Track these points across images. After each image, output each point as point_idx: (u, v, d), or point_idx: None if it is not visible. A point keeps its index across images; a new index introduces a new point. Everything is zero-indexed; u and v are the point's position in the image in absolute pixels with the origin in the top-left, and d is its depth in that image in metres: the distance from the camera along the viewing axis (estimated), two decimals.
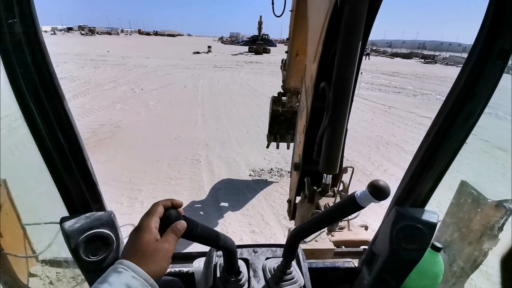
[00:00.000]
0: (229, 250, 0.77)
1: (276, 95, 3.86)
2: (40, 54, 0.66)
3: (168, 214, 0.58)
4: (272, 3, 2.94)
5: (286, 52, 3.31)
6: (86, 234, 0.75)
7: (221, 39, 77.70)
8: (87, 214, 0.79)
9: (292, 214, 2.28)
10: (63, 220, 0.80)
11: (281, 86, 3.77)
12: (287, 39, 3.25)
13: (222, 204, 3.94)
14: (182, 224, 0.58)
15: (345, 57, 1.08)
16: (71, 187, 0.77)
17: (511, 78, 5.38)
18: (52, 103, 0.69)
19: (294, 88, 3.55)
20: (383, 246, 0.97)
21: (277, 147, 4.49)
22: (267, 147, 4.48)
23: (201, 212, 3.72)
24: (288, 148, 4.48)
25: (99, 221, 0.77)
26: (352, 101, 1.32)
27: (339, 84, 1.13)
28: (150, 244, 0.52)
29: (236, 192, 4.23)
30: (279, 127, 4.16)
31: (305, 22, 1.76)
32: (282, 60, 3.79)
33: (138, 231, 0.54)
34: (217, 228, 2.90)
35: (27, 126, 0.72)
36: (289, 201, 2.32)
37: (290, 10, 2.83)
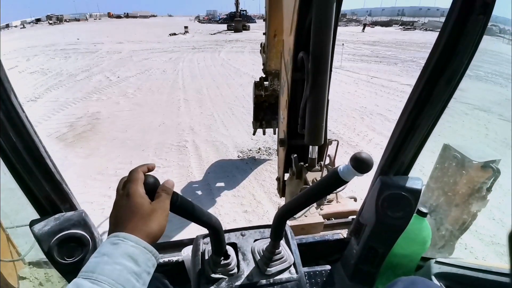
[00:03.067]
0: (214, 228, 0.75)
1: (258, 79, 3.80)
2: None
3: (149, 179, 0.58)
4: None
5: (264, 33, 3.22)
6: (57, 236, 0.70)
7: (197, 18, 74.22)
8: (56, 216, 0.73)
9: (282, 192, 2.29)
10: (32, 223, 0.75)
11: (262, 69, 3.70)
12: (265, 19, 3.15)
13: (213, 187, 3.92)
14: (169, 183, 0.58)
15: (321, 20, 1.03)
16: (33, 187, 0.70)
17: None
18: None
19: (275, 70, 3.48)
20: (370, 216, 0.97)
21: (263, 133, 4.51)
22: (254, 134, 4.51)
23: (193, 198, 3.70)
24: (274, 133, 4.49)
25: (70, 222, 0.72)
26: (331, 67, 1.27)
27: (318, 50, 1.08)
28: (144, 206, 0.51)
29: (226, 175, 4.21)
30: (264, 113, 4.15)
31: (280, 1, 1.75)
32: (261, 44, 3.71)
33: (126, 199, 0.52)
34: (210, 211, 2.90)
35: None
36: (278, 179, 2.32)
37: None
